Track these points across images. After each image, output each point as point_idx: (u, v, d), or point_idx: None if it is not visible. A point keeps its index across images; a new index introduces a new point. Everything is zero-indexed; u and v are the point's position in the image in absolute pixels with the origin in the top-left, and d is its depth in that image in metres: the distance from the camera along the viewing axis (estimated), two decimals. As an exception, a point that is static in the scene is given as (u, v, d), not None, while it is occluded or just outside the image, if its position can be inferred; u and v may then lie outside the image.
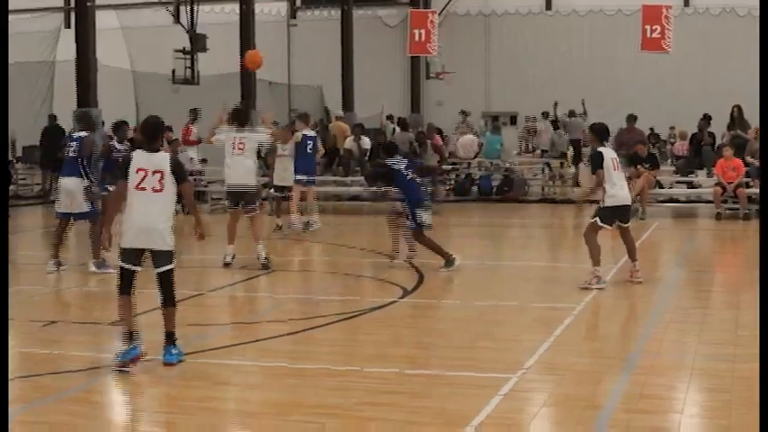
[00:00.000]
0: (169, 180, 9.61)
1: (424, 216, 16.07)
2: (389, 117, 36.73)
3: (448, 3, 43.77)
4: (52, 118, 31.81)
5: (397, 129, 31.70)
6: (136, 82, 39.75)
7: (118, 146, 17.60)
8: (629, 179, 16.56)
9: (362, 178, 28.38)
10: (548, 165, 32.68)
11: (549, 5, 46.54)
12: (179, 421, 8.25)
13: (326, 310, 12.98)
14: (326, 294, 14.79)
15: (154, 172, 9.58)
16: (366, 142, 29.45)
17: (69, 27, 42.93)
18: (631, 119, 27.63)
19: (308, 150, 21.84)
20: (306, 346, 11.08)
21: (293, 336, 11.36)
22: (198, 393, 9.06)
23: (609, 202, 14.21)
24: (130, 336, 9.54)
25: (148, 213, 9.53)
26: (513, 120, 44.38)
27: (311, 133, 22.52)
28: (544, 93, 41.03)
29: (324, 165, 31.04)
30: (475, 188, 30.82)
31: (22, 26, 46.40)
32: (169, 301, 9.84)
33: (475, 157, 32.62)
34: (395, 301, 13.41)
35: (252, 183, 17.04)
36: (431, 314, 13.10)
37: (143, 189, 9.54)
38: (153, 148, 9.82)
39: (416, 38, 36.73)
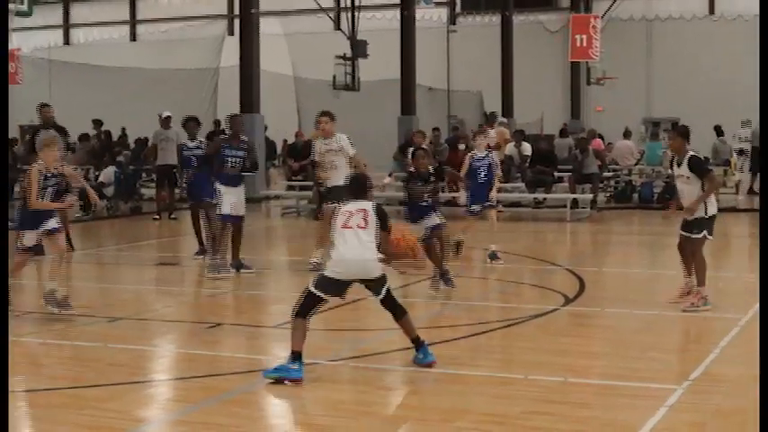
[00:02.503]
0: (372, 218, 9.71)
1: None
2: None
3: (610, 7, 43.32)
4: (216, 123, 32.30)
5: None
6: (297, 88, 40.29)
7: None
8: None
9: (522, 184, 28.30)
10: (710, 172, 31.94)
11: (712, 10, 45.77)
12: (340, 425, 8.23)
13: (487, 317, 12.90)
14: (486, 301, 14.72)
15: (358, 210, 9.73)
16: (526, 148, 29.19)
17: (233, 34, 43.83)
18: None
19: None
20: (468, 352, 10.96)
21: (455, 342, 11.29)
22: (359, 398, 9.08)
23: (711, 211, 13.44)
24: (299, 356, 9.42)
25: (359, 246, 9.59)
26: (675, 126, 43.44)
27: None
28: (707, 99, 40.30)
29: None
30: (635, 195, 30.40)
31: (189, 34, 47.52)
32: (401, 311, 9.96)
33: (636, 163, 32.20)
34: (556, 309, 13.25)
35: None
36: (593, 323, 12.87)
37: (349, 227, 9.65)
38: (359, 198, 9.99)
39: (578, 43, 36.41)
